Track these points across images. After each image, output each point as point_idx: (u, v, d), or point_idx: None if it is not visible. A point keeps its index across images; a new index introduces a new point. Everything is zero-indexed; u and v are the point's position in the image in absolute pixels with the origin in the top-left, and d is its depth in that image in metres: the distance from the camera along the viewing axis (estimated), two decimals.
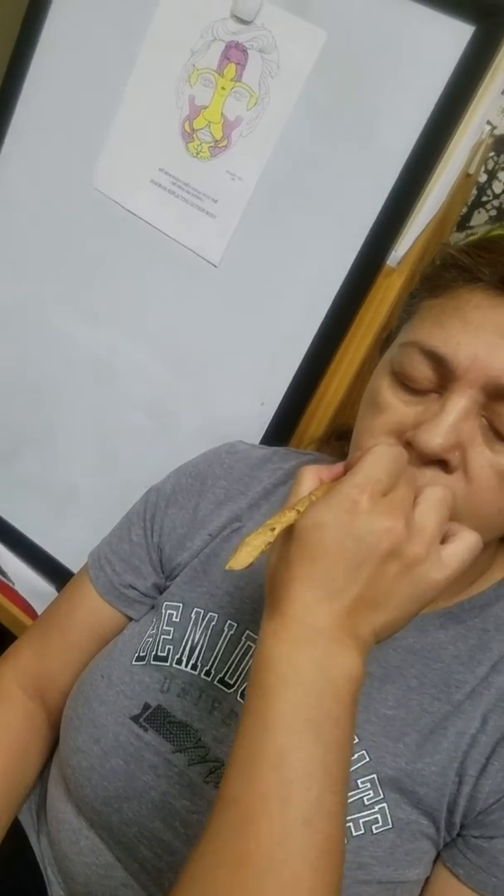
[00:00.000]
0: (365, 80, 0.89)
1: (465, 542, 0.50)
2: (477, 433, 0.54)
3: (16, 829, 0.74)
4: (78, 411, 1.13)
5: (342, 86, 0.90)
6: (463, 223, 1.14)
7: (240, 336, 1.02)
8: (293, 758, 0.43)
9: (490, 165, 1.10)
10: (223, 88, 0.97)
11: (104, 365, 1.09)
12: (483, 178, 1.10)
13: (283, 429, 1.02)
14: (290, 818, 0.42)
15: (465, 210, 1.12)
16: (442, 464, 0.54)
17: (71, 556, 1.16)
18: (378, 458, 0.49)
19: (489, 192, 1.11)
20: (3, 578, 1.17)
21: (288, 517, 0.49)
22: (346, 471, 0.52)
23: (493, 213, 1.12)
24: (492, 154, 1.09)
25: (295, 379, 1.00)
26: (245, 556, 0.46)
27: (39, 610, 1.17)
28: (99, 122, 1.03)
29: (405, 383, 0.57)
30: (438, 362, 0.55)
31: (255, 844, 0.42)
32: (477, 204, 1.12)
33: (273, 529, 0.48)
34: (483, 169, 1.10)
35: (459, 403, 0.54)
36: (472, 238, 0.61)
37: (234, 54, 0.96)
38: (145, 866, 0.63)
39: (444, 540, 0.50)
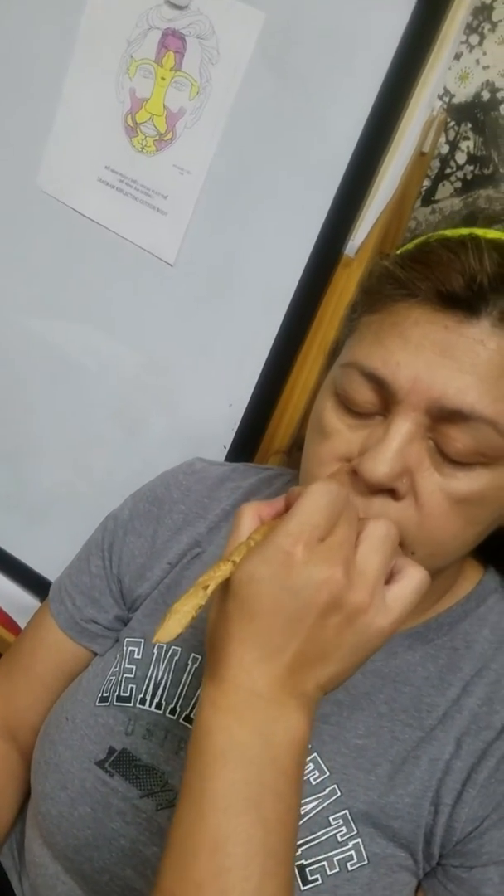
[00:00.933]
0: (308, 61, 0.84)
1: (411, 582, 0.47)
2: (424, 457, 0.51)
3: None
4: (46, 423, 1.10)
5: (285, 68, 0.85)
6: (428, 198, 1.09)
7: (203, 336, 0.99)
8: (231, 843, 0.41)
9: (451, 136, 1.05)
10: (163, 79, 0.93)
11: (69, 375, 1.06)
12: (445, 149, 1.06)
13: (253, 429, 0.99)
14: None
15: (428, 184, 1.08)
16: (390, 491, 0.51)
17: (53, 569, 1.14)
18: (314, 500, 0.46)
19: (452, 163, 1.06)
20: None
21: (223, 571, 0.46)
22: (287, 507, 0.49)
23: (458, 184, 1.07)
24: (451, 123, 1.04)
25: (261, 377, 0.97)
26: (174, 624, 0.43)
27: (24, 625, 1.15)
28: (39, 122, 0.99)
29: (348, 406, 0.54)
30: (379, 384, 0.51)
31: None
32: (441, 177, 1.08)
33: (206, 587, 0.45)
34: (444, 139, 1.05)
35: (403, 428, 0.50)
36: (407, 246, 0.57)
37: (172, 42, 0.91)
38: None
39: (390, 578, 0.47)
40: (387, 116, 0.82)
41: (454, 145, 1.06)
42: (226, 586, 0.46)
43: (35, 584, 1.15)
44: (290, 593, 0.44)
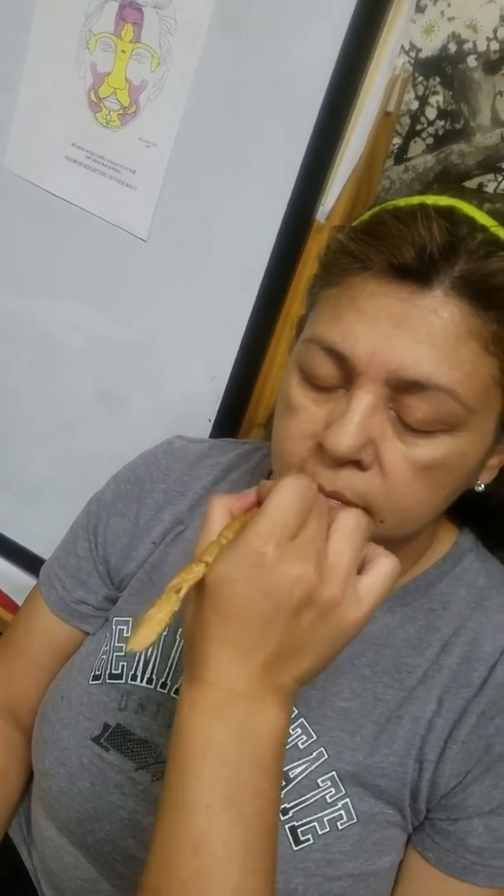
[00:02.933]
0: (266, 25, 0.83)
1: (382, 571, 0.48)
2: (387, 426, 0.52)
3: (6, 845, 0.75)
4: (31, 404, 1.11)
5: (244, 35, 0.84)
6: (400, 156, 1.08)
7: (181, 311, 0.99)
8: (211, 841, 0.42)
9: (420, 91, 1.03)
10: (123, 52, 0.92)
11: (50, 356, 1.07)
12: (414, 105, 1.04)
13: (236, 402, 0.99)
14: None
15: (400, 142, 1.06)
16: (356, 463, 0.52)
17: (47, 548, 1.15)
18: (284, 497, 0.47)
19: (423, 119, 1.05)
20: None
21: (195, 572, 0.46)
22: (258, 501, 0.50)
23: (430, 140, 1.06)
24: (420, 78, 1.02)
25: (241, 349, 0.97)
26: (148, 632, 0.43)
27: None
28: (3, 102, 0.98)
29: (312, 381, 0.54)
30: (339, 359, 0.52)
31: None
32: (412, 134, 1.06)
33: (178, 591, 0.45)
34: (413, 95, 1.04)
35: (364, 400, 0.51)
36: (362, 217, 0.57)
37: (130, 14, 0.90)
38: (124, 882, 0.64)
39: (361, 567, 0.48)
40: (349, 77, 0.81)
41: (424, 101, 1.04)
42: (200, 587, 0.47)
43: (31, 563, 1.16)
44: (264, 593, 0.45)
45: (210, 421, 1.02)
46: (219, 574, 0.46)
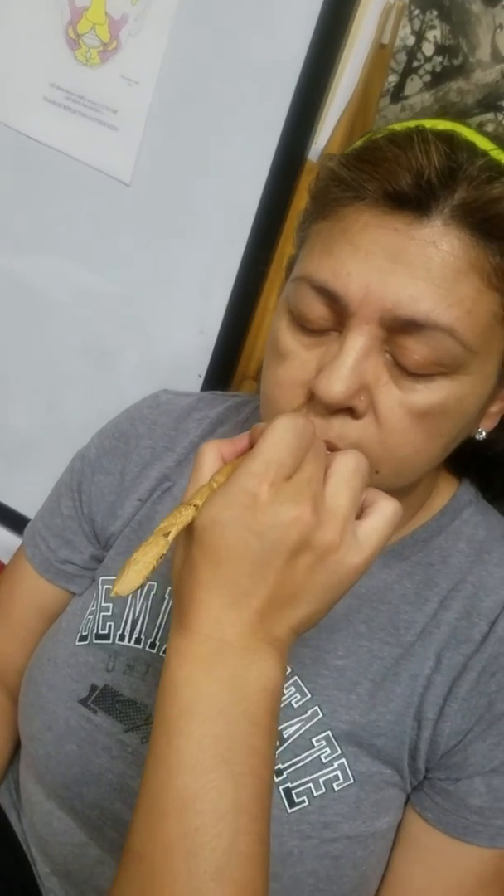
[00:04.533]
0: None
1: (383, 515, 0.45)
2: (382, 371, 0.49)
3: None
4: (15, 362, 1.07)
5: None
6: (397, 94, 1.03)
7: (167, 260, 0.95)
8: (200, 802, 0.39)
9: (417, 25, 0.98)
10: None
11: (31, 310, 1.03)
12: (411, 40, 0.99)
13: (227, 355, 0.96)
14: (199, 872, 0.38)
15: (396, 80, 1.01)
16: (349, 410, 0.49)
17: (34, 508, 1.13)
18: (278, 435, 0.43)
19: (420, 55, 0.99)
20: None
21: (185, 516, 0.43)
22: (250, 444, 0.47)
23: (427, 78, 1.00)
24: (416, 12, 0.97)
25: (231, 300, 0.93)
26: (135, 576, 0.40)
27: None
28: None
29: (302, 324, 0.51)
30: (331, 298, 0.48)
31: None
32: (409, 71, 1.01)
33: (167, 535, 0.42)
34: (409, 30, 0.98)
35: (357, 343, 0.48)
36: (355, 144, 0.53)
37: None
38: (114, 846, 0.62)
39: (361, 512, 0.45)
40: (340, 7, 0.77)
41: (420, 35, 0.99)
42: (190, 531, 0.44)
43: (18, 523, 1.14)
44: (257, 536, 0.42)
45: (200, 377, 0.98)
46: (208, 517, 0.42)
